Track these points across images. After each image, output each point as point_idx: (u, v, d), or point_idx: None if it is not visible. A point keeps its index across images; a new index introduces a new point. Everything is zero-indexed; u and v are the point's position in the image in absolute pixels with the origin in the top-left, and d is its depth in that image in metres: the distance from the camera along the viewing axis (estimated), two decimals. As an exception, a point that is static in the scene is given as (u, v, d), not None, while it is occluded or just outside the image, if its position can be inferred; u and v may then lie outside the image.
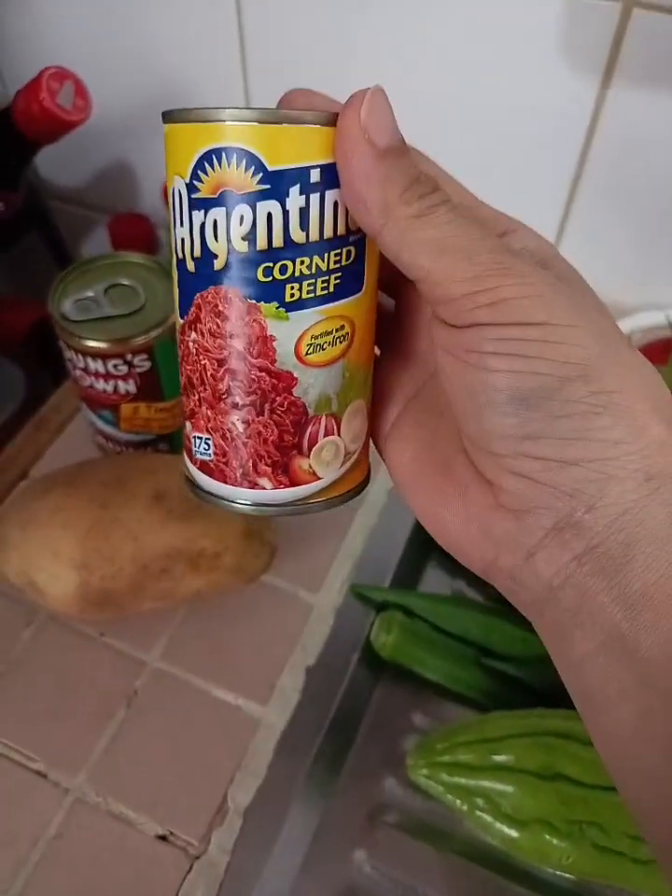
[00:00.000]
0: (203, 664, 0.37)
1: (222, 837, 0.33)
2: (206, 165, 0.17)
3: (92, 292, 0.37)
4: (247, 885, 0.33)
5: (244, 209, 0.17)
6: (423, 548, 0.45)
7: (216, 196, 0.17)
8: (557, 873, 0.31)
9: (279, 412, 0.19)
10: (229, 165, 0.17)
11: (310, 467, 0.20)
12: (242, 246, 0.17)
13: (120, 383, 0.37)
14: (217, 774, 0.34)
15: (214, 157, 0.17)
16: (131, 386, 0.37)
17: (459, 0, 0.45)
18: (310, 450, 0.20)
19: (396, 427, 0.21)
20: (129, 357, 0.36)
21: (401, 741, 0.39)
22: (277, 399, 0.19)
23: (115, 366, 0.36)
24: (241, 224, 0.17)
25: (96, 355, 0.36)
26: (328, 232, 0.18)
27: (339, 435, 0.20)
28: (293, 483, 0.20)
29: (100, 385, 0.37)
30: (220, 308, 0.18)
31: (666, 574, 0.15)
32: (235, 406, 0.19)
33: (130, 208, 0.69)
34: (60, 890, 0.31)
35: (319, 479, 0.20)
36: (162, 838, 0.33)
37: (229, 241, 0.17)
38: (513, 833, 0.30)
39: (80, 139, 0.55)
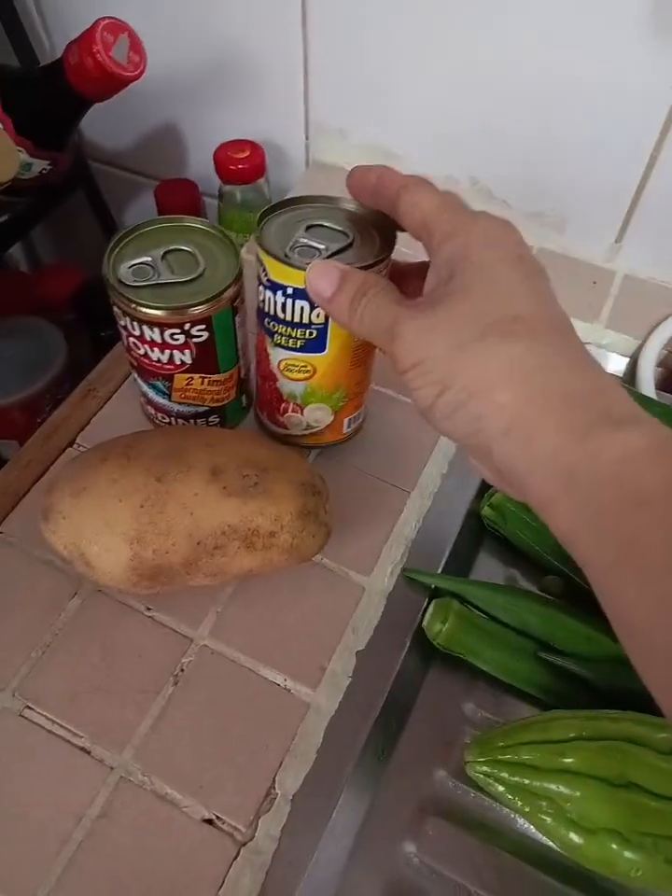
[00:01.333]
0: (252, 642, 0.36)
1: (270, 823, 0.32)
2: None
3: (150, 257, 0.35)
4: (295, 873, 0.31)
5: (261, 291, 0.34)
6: (476, 534, 0.44)
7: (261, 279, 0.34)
8: (619, 883, 0.30)
9: (271, 389, 0.39)
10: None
11: (285, 422, 0.40)
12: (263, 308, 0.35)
13: (176, 352, 0.36)
14: (265, 757, 0.33)
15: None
16: (186, 357, 0.36)
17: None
18: (282, 415, 0.40)
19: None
20: (187, 326, 0.34)
21: (453, 732, 0.37)
22: (269, 383, 0.38)
23: (172, 335, 0.35)
24: (259, 297, 0.35)
25: (153, 323, 0.34)
26: (295, 319, 0.34)
27: (301, 415, 0.39)
28: (279, 427, 0.41)
29: (155, 354, 0.36)
30: (262, 333, 0.37)
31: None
32: (259, 377, 0.40)
33: (176, 175, 0.67)
34: (103, 871, 0.31)
35: (288, 430, 0.41)
36: (208, 822, 0.32)
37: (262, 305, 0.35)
38: (579, 840, 0.29)
39: (128, 100, 0.53)
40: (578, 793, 0.29)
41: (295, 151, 0.60)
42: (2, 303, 0.71)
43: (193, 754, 0.33)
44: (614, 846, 0.28)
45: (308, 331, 0.34)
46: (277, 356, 0.36)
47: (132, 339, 0.36)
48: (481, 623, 0.37)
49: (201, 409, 0.40)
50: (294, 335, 0.35)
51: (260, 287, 0.35)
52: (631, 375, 0.49)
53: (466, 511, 0.42)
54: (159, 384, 0.38)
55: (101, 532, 0.32)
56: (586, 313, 0.51)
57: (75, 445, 0.42)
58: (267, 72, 0.56)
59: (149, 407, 0.41)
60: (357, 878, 0.34)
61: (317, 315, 0.34)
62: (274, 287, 0.33)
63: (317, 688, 0.35)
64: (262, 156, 0.57)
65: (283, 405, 0.39)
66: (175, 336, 0.35)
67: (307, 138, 0.59)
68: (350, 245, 0.33)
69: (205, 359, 0.37)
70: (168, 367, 0.36)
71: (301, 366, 0.36)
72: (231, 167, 0.56)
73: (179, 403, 0.39)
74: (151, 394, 0.39)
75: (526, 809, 0.30)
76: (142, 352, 0.36)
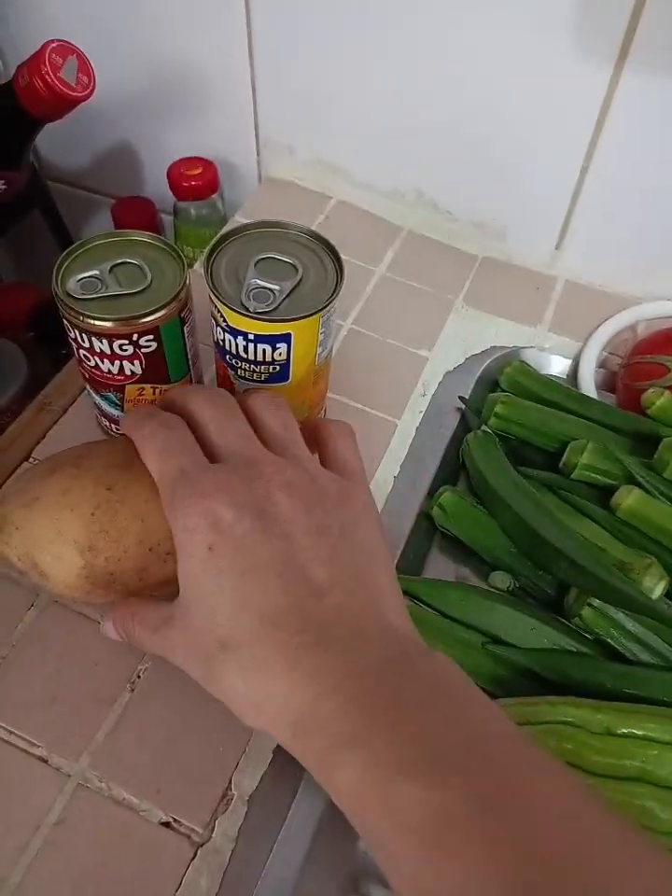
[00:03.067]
0: (207, 649, 0.37)
1: (226, 824, 0.32)
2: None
3: (98, 270, 0.36)
4: (252, 872, 0.32)
5: (219, 331, 0.36)
6: (427, 534, 0.45)
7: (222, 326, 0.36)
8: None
9: None
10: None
11: None
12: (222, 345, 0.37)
13: (126, 363, 0.36)
14: (221, 760, 0.34)
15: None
16: (136, 367, 0.37)
17: (472, -23, 0.44)
18: None
19: None
20: (135, 337, 0.35)
21: (407, 728, 0.38)
22: None
23: (120, 346, 0.36)
24: (217, 335, 0.37)
25: (102, 334, 0.35)
26: (256, 358, 0.36)
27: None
28: None
29: (105, 365, 0.37)
30: (223, 363, 0.39)
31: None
32: None
33: (132, 192, 0.68)
34: (62, 877, 0.31)
35: None
36: (166, 825, 0.32)
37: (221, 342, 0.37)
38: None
39: (83, 121, 0.54)
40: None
41: (247, 167, 0.62)
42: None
43: (150, 759, 0.34)
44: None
45: (272, 367, 0.36)
46: (241, 384, 0.38)
47: (82, 351, 0.37)
48: (432, 620, 0.38)
49: None
50: (257, 371, 0.36)
51: (217, 328, 0.36)
52: (573, 376, 0.51)
53: (417, 512, 0.43)
54: (111, 395, 0.39)
55: (53, 541, 0.32)
56: (529, 317, 0.53)
57: (30, 460, 0.43)
58: (217, 90, 0.57)
59: (104, 419, 0.42)
60: (315, 876, 0.34)
61: (279, 354, 0.35)
62: (234, 332, 0.35)
63: (273, 689, 0.36)
64: (215, 173, 0.58)
65: None
66: (124, 347, 0.35)
67: (258, 154, 0.60)
68: (301, 280, 0.35)
69: (155, 369, 0.37)
70: (119, 378, 0.37)
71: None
72: (185, 184, 0.57)
73: None
74: (104, 406, 0.40)
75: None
76: (92, 364, 0.37)
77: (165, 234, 0.68)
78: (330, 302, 0.34)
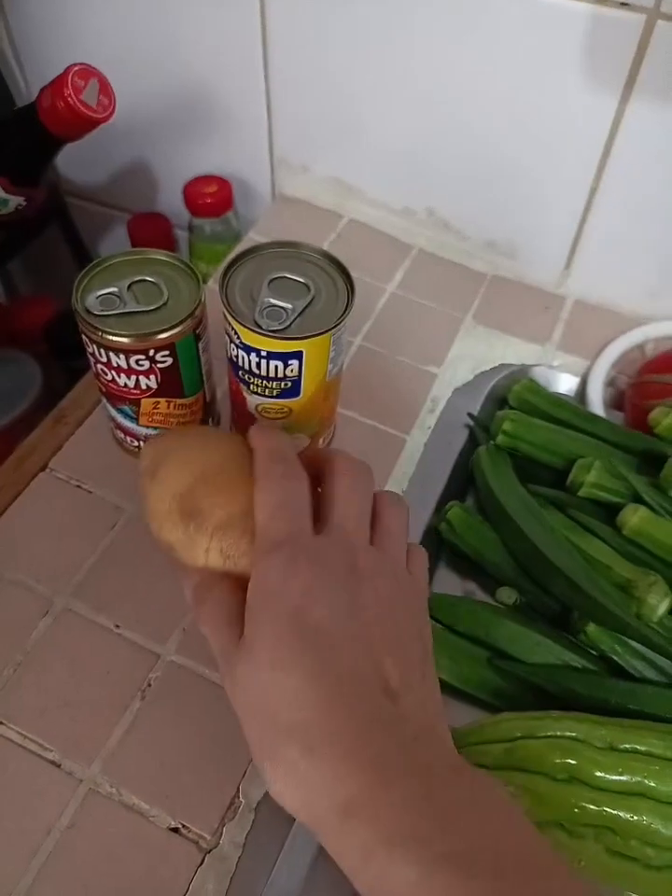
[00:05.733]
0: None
1: (234, 831, 0.33)
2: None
3: (116, 288, 0.37)
4: (258, 880, 0.33)
5: (233, 348, 0.37)
6: (435, 548, 0.46)
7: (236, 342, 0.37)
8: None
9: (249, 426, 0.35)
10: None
11: None
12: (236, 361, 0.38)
13: (142, 378, 0.37)
14: (229, 767, 0.34)
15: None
16: (152, 382, 0.38)
17: (478, 11, 0.45)
18: None
19: None
20: (151, 352, 0.36)
21: (413, 741, 0.39)
22: (248, 421, 0.40)
23: (137, 361, 0.37)
24: (230, 352, 0.38)
25: (119, 349, 0.36)
26: (269, 374, 0.37)
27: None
28: None
29: (121, 379, 0.38)
30: (235, 379, 0.39)
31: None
32: (236, 414, 0.43)
33: (148, 208, 0.70)
34: (72, 880, 0.31)
35: None
36: (175, 831, 0.33)
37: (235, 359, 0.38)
38: (526, 834, 0.30)
39: (101, 139, 0.55)
40: (523, 790, 0.30)
41: (261, 185, 0.63)
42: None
43: (160, 765, 0.34)
44: (559, 838, 0.29)
45: (283, 383, 0.37)
46: (254, 400, 0.39)
47: (99, 365, 0.38)
48: (439, 634, 0.39)
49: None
50: (269, 386, 0.37)
51: (231, 344, 0.37)
52: (581, 395, 0.51)
53: (425, 527, 0.44)
54: (127, 408, 0.40)
55: (181, 461, 0.31)
56: (539, 335, 0.53)
57: (47, 470, 0.44)
58: (232, 109, 0.59)
59: (119, 431, 0.43)
60: (320, 885, 0.35)
61: (291, 371, 0.36)
62: (247, 348, 0.36)
63: (281, 699, 0.36)
64: (230, 190, 0.60)
65: None
66: (140, 362, 0.37)
67: (272, 173, 0.62)
68: (313, 299, 0.36)
69: (171, 384, 0.38)
70: (134, 392, 0.38)
71: (278, 408, 0.39)
72: (200, 201, 0.59)
73: (147, 427, 0.41)
74: (120, 418, 0.41)
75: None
76: (109, 378, 0.38)
77: (180, 250, 0.69)
78: (341, 321, 0.35)
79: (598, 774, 0.30)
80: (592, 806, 0.29)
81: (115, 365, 0.37)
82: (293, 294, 0.36)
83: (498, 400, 0.51)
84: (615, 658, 0.37)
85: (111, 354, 0.36)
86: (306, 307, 0.36)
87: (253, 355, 0.36)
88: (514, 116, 0.49)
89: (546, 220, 0.53)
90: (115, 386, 0.38)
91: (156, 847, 0.32)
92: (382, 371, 0.51)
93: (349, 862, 0.22)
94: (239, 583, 0.28)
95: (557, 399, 0.49)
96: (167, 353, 0.37)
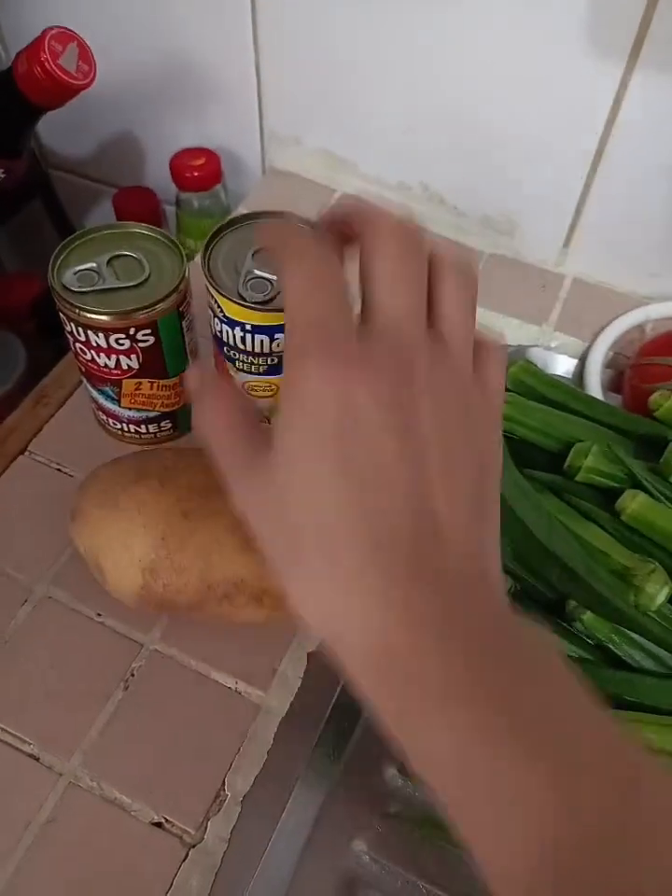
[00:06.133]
0: (202, 646, 0.36)
1: (219, 825, 0.32)
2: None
3: (95, 263, 0.35)
4: (244, 874, 0.32)
5: (217, 323, 0.36)
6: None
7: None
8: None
9: None
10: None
11: None
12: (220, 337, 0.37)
13: (123, 358, 0.36)
14: (214, 760, 0.33)
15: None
16: (133, 362, 0.36)
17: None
18: None
19: None
20: (132, 331, 0.35)
21: (404, 731, 0.38)
22: None
23: (117, 340, 0.35)
24: (214, 327, 0.37)
25: (98, 328, 0.34)
26: (255, 350, 0.35)
27: (269, 424, 0.37)
28: None
29: (101, 359, 0.36)
30: (221, 356, 0.38)
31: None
32: None
33: (135, 182, 0.68)
34: (52, 876, 0.31)
35: None
36: (157, 825, 0.32)
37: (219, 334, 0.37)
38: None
39: (85, 109, 0.53)
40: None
41: (251, 159, 0.61)
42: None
43: (143, 758, 0.33)
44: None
45: (270, 359, 0.36)
46: (241, 378, 0.37)
47: (78, 344, 0.36)
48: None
49: (152, 414, 0.40)
50: (256, 363, 0.36)
51: (215, 319, 0.35)
52: (579, 377, 0.50)
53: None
54: (108, 390, 0.38)
55: (119, 552, 0.32)
56: (536, 315, 0.52)
57: (27, 453, 0.42)
58: (221, 80, 0.57)
59: (101, 413, 0.41)
60: (308, 878, 0.34)
61: (278, 346, 0.35)
62: (231, 323, 0.34)
63: (268, 689, 0.35)
64: (218, 163, 0.58)
65: None
66: (121, 341, 0.35)
67: (262, 146, 0.60)
68: None
69: (153, 364, 0.37)
70: (115, 372, 0.37)
71: (266, 386, 0.37)
72: (188, 175, 0.57)
73: (129, 408, 0.39)
74: (101, 400, 0.39)
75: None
76: (88, 357, 0.36)
77: (167, 225, 0.67)
78: None
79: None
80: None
81: (94, 344, 0.35)
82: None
83: (494, 382, 0.50)
84: (612, 647, 0.36)
85: (90, 332, 0.35)
86: None
87: (238, 329, 0.34)
88: (513, 85, 0.47)
89: (545, 196, 0.51)
90: (95, 367, 0.37)
91: (138, 841, 0.31)
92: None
93: (380, 710, 0.20)
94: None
95: (554, 381, 0.48)
96: (148, 332, 0.35)
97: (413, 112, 0.52)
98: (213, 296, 0.34)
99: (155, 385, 0.38)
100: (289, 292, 0.22)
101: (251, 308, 0.33)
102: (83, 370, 0.38)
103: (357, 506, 0.20)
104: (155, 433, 0.41)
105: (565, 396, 0.47)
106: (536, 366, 0.49)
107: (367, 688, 0.20)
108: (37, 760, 0.33)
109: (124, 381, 0.37)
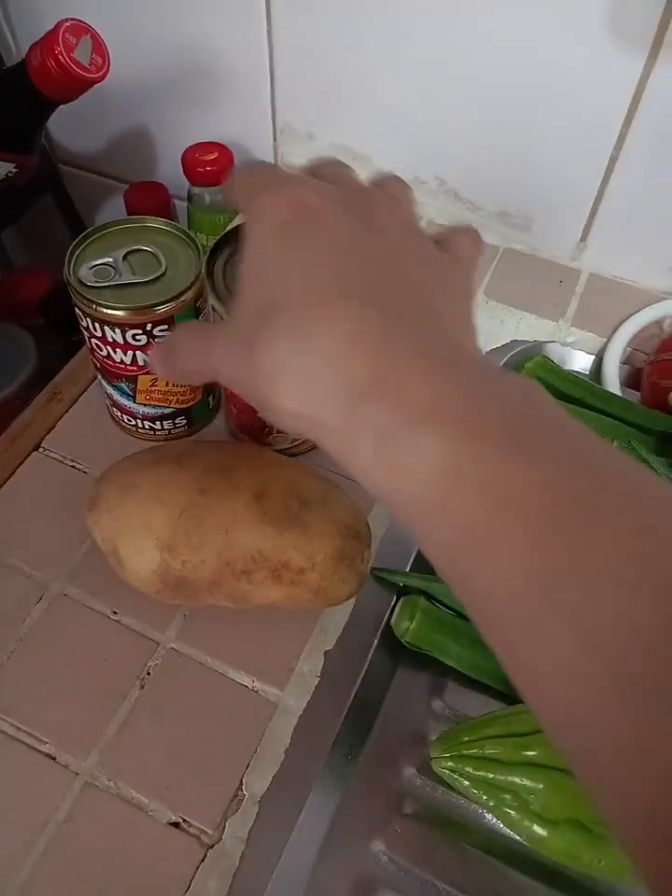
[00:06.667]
0: (219, 644, 0.36)
1: (236, 825, 0.32)
2: None
3: (111, 258, 0.35)
4: (262, 875, 0.31)
5: None
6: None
7: None
8: (584, 875, 0.30)
9: (251, 419, 0.39)
10: None
11: (271, 442, 0.40)
12: None
13: (139, 353, 0.36)
14: (232, 759, 0.33)
15: None
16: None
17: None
18: (268, 437, 0.40)
19: None
20: (149, 327, 0.34)
21: (421, 729, 0.37)
22: (248, 415, 0.39)
23: (134, 336, 0.35)
24: None
25: (114, 323, 0.34)
26: None
27: (286, 432, 0.38)
28: (264, 445, 0.40)
29: (117, 355, 0.36)
30: None
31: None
32: (234, 408, 0.41)
33: (146, 177, 0.67)
34: (68, 876, 0.30)
35: (274, 446, 0.40)
36: (175, 825, 0.32)
37: None
38: (543, 832, 0.29)
39: (96, 103, 0.53)
40: (540, 785, 0.29)
41: (264, 153, 0.60)
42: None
43: (159, 757, 0.33)
44: (577, 836, 0.28)
45: None
46: None
47: (94, 340, 0.36)
48: (448, 620, 0.37)
49: (166, 411, 0.40)
50: None
51: None
52: (597, 373, 0.49)
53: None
54: (123, 385, 0.38)
55: (137, 533, 0.32)
56: (552, 311, 0.51)
57: (40, 449, 0.42)
58: (234, 75, 0.56)
59: (115, 409, 0.41)
60: (326, 878, 0.34)
61: None
62: None
63: (285, 688, 0.35)
64: (231, 158, 0.57)
65: (267, 429, 0.39)
66: (138, 337, 0.35)
67: (275, 140, 0.59)
68: None
69: None
70: (131, 368, 0.36)
71: None
72: (200, 169, 0.56)
73: (144, 405, 0.39)
74: (116, 396, 0.39)
75: (491, 803, 0.30)
76: (104, 353, 0.36)
77: (179, 221, 0.66)
78: None
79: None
80: (612, 804, 0.28)
81: (110, 340, 0.35)
82: None
83: (510, 378, 0.49)
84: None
85: (106, 328, 0.34)
86: None
87: None
88: (531, 79, 0.47)
89: (562, 190, 0.51)
90: (110, 363, 0.36)
91: (156, 842, 0.31)
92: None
93: (361, 458, 0.19)
94: None
95: (572, 377, 0.47)
96: (165, 328, 0.35)
97: (428, 106, 0.51)
98: (219, 312, 0.33)
99: (171, 381, 0.38)
100: (245, 187, 0.23)
101: None
102: (98, 365, 0.38)
103: (315, 263, 0.20)
104: (169, 430, 0.41)
105: (582, 392, 0.46)
106: (553, 362, 0.48)
107: (342, 442, 0.19)
108: (54, 759, 0.33)
109: (140, 377, 0.37)
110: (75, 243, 0.35)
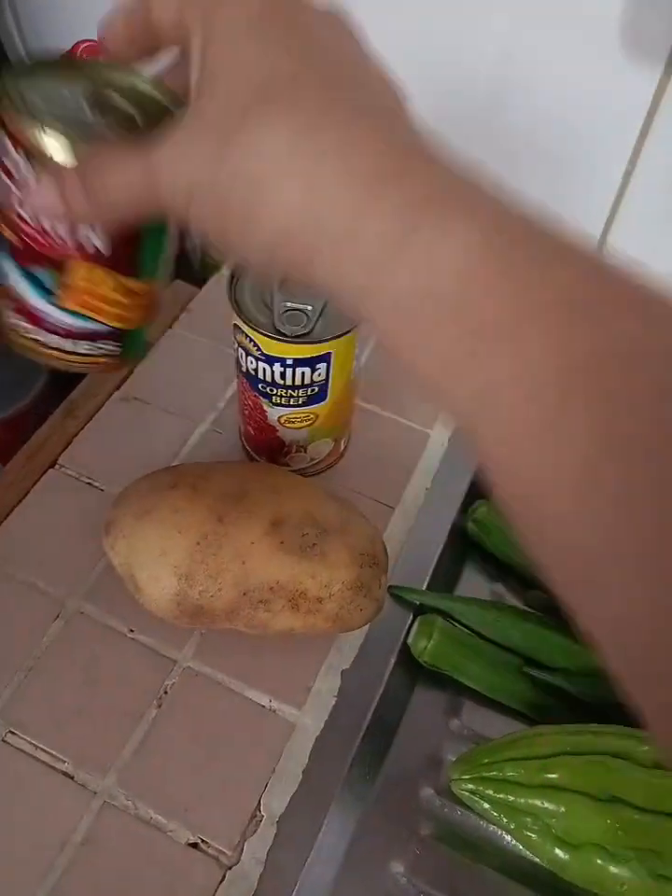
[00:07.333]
0: (236, 664, 0.36)
1: (255, 847, 0.32)
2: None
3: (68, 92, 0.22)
4: (281, 897, 0.31)
5: (252, 360, 0.35)
6: (461, 550, 0.44)
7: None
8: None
9: (271, 439, 0.39)
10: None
11: (288, 462, 0.41)
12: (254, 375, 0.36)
13: (87, 228, 0.23)
14: (250, 779, 0.33)
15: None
16: (96, 237, 0.23)
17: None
18: (285, 457, 0.40)
19: None
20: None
21: (439, 749, 0.37)
22: (268, 435, 0.39)
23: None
24: (247, 365, 0.35)
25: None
26: (295, 383, 0.35)
27: (305, 452, 0.40)
28: (282, 465, 0.41)
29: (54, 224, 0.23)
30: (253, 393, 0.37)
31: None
32: (251, 429, 0.40)
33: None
34: (87, 897, 0.30)
35: (291, 467, 0.41)
36: (194, 846, 0.31)
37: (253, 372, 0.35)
38: (564, 856, 0.29)
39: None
40: (562, 809, 0.29)
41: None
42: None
43: (177, 777, 0.33)
44: (599, 861, 0.28)
45: (310, 389, 0.35)
46: (277, 412, 0.37)
47: (10, 181, 0.22)
48: (466, 640, 0.37)
49: (96, 328, 0.27)
50: (295, 395, 0.35)
51: (248, 358, 0.34)
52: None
53: (450, 527, 0.42)
54: (45, 273, 0.25)
55: (155, 560, 0.32)
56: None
57: (56, 466, 0.42)
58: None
59: (19, 316, 0.26)
60: (344, 901, 0.33)
61: (319, 375, 0.34)
62: (270, 359, 0.33)
63: (303, 708, 0.35)
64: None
65: (285, 449, 0.39)
66: None
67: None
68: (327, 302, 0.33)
69: (124, 251, 0.25)
70: (67, 245, 0.23)
71: (304, 416, 0.37)
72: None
73: (70, 311, 0.26)
74: (29, 292, 0.25)
75: (512, 826, 0.30)
76: (29, 216, 0.23)
77: (195, 244, 0.67)
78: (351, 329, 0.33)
79: (643, 793, 0.28)
80: (636, 829, 0.28)
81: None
82: (308, 293, 0.33)
83: (524, 394, 0.49)
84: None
85: (32, 163, 0.21)
86: (325, 305, 0.33)
87: (277, 365, 0.33)
88: (547, 84, 0.47)
89: (577, 200, 0.51)
90: (37, 232, 0.23)
91: (175, 863, 0.31)
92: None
93: (371, 264, 0.17)
94: None
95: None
96: None
97: (440, 109, 0.51)
98: (247, 335, 0.33)
99: (116, 282, 0.25)
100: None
101: (291, 342, 0.32)
102: (14, 233, 0.24)
103: (297, 53, 0.18)
104: (89, 354, 0.28)
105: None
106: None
107: (351, 242, 0.17)
108: (72, 778, 0.33)
109: (75, 263, 0.24)
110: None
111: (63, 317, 0.26)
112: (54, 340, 0.27)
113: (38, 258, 0.24)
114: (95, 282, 0.25)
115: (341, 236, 0.17)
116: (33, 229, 0.23)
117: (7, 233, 0.25)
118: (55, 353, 0.28)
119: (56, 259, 0.24)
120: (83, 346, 0.28)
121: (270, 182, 0.17)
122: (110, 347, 0.28)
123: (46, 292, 0.25)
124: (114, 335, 0.28)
